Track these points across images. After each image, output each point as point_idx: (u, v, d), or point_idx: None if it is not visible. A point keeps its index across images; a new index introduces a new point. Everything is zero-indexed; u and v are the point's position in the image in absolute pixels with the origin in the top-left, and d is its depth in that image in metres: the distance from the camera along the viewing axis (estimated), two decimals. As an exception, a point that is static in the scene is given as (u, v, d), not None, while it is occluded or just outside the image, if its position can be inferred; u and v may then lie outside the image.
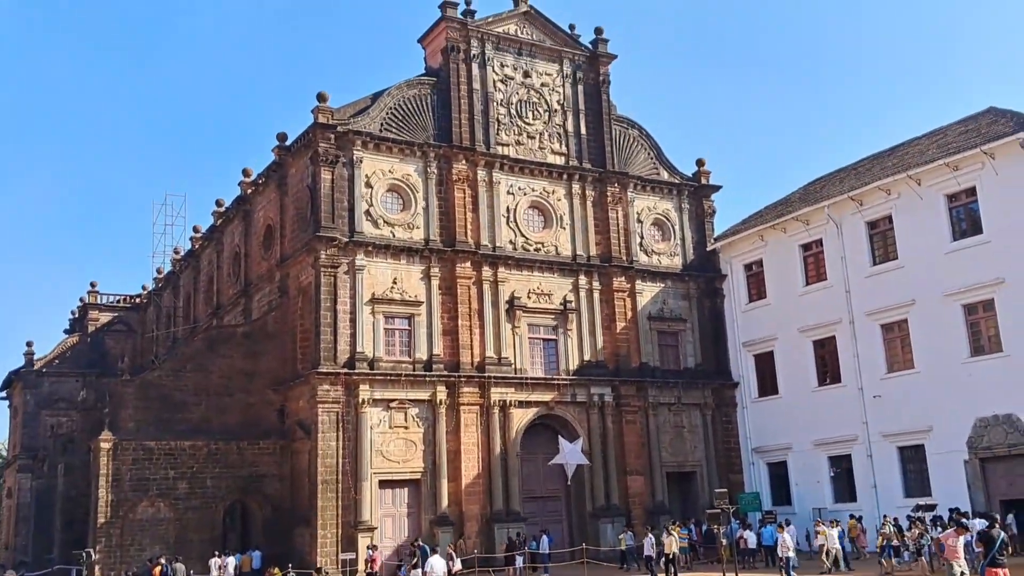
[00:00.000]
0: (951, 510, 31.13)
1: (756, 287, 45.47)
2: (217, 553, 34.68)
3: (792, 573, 25.71)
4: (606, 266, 43.88)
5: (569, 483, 40.01)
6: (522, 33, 45.13)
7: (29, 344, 59.84)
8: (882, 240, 39.98)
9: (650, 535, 31.83)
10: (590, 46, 46.81)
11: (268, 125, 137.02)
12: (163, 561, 32.29)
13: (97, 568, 33.98)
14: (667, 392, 43.85)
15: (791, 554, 26.01)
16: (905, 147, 43.63)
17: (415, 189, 40.51)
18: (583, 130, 45.35)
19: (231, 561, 34.50)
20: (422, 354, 38.91)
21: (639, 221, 45.98)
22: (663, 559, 30.14)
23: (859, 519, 35.64)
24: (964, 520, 28.78)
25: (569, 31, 46.45)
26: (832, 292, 41.08)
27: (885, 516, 32.75)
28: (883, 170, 41.36)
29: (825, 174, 48.59)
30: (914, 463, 37.51)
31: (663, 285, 45.66)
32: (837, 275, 41.00)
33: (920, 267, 37.70)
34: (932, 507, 30.27)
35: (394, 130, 40.56)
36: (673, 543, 29.94)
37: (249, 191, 46.19)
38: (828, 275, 41.57)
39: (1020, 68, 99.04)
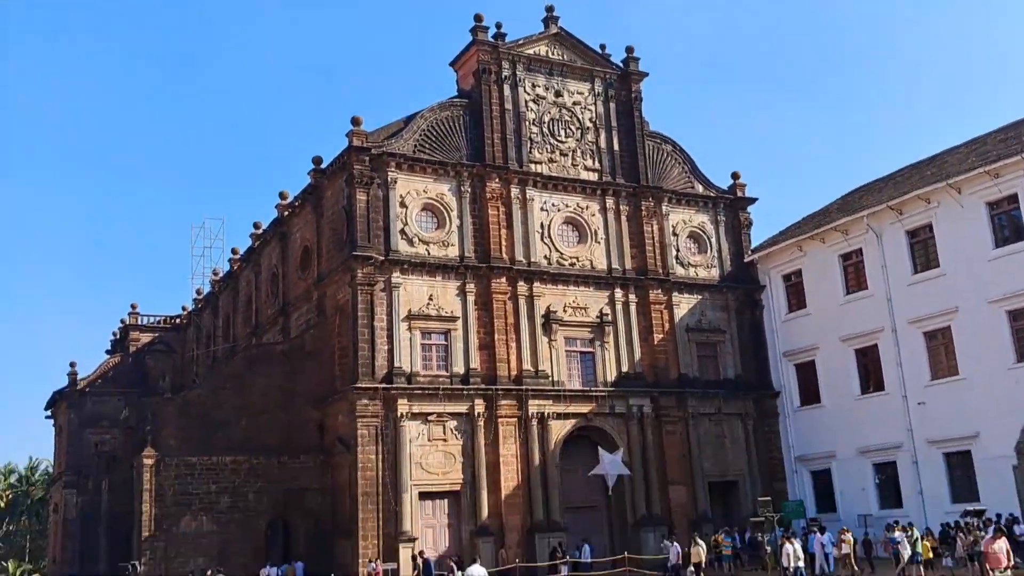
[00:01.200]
0: (997, 515, 30.61)
1: (796, 297, 45.14)
2: (267, 564, 35.03)
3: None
4: (642, 279, 43.81)
5: (610, 493, 39.80)
6: (553, 54, 45.45)
7: (72, 364, 60.78)
8: (923, 248, 39.57)
9: (675, 544, 31.44)
10: (621, 65, 47.01)
11: (304, 149, 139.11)
12: (208, 573, 32.54)
13: (142, 581, 34.30)
14: (707, 403, 43.56)
15: (800, 564, 25.43)
16: (943, 156, 43.34)
17: (449, 208, 40.79)
18: (616, 146, 45.46)
19: (274, 573, 34.74)
20: (459, 368, 39.04)
21: (675, 234, 45.91)
22: (691, 567, 29.80)
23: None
24: (1014, 526, 28.45)
25: (600, 51, 46.70)
26: (873, 301, 40.70)
27: (895, 523, 31.90)
28: (922, 179, 41.06)
29: (863, 184, 48.35)
30: (961, 469, 36.93)
31: (700, 297, 45.47)
32: (878, 284, 40.61)
33: (963, 274, 37.31)
34: (981, 512, 29.72)
35: (427, 151, 40.95)
36: (700, 552, 29.59)
37: (286, 213, 46.77)
38: (869, 284, 41.19)
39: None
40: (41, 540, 79.77)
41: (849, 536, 29.48)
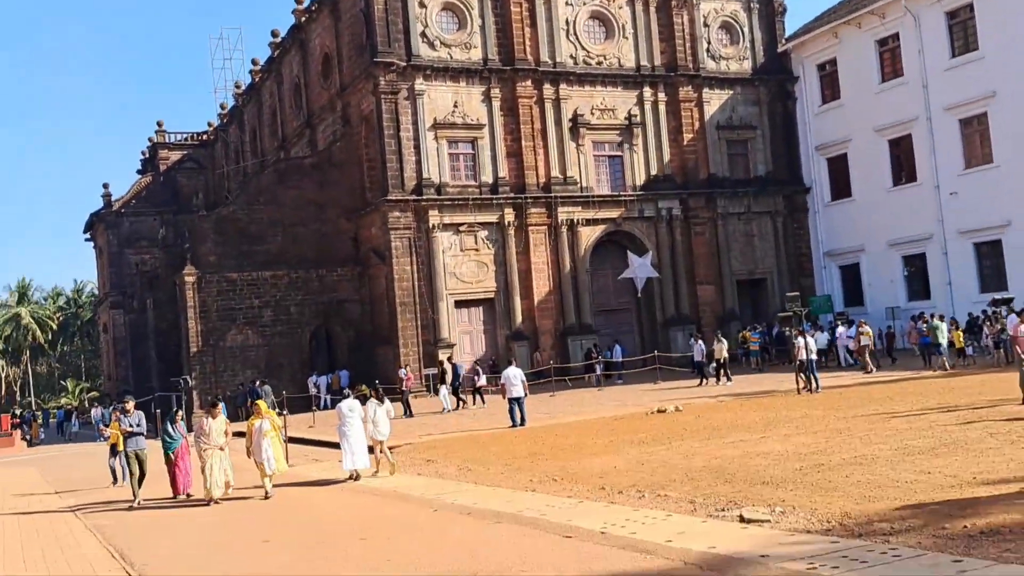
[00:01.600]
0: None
1: (830, 88, 43.93)
2: (314, 373, 36.72)
3: (815, 375, 25.47)
4: (672, 76, 42.68)
5: (639, 295, 40.60)
6: None
7: (106, 186, 61.61)
8: (962, 30, 37.97)
9: (699, 342, 32.08)
10: None
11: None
12: (256, 384, 34.12)
13: (195, 393, 36.13)
14: (737, 202, 43.47)
15: (813, 356, 25.80)
16: (991, -71, 40.61)
17: (470, 6, 39.42)
18: (643, -71, 43.05)
19: (323, 381, 36.42)
20: (488, 177, 39.01)
21: (706, 25, 44.23)
22: (713, 364, 30.70)
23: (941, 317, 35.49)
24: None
25: None
26: (909, 88, 39.56)
27: (919, 314, 32.20)
28: (966, -46, 38.76)
29: (902, -37, 45.71)
30: (990, 259, 37.09)
31: (732, 92, 44.37)
32: (914, 70, 39.34)
33: (1002, 57, 35.96)
34: (1009, 300, 29.94)
35: (446, -56, 39.09)
36: (723, 349, 30.33)
37: (303, 19, 45.49)
38: (905, 71, 39.91)
39: None
40: (95, 359, 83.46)
41: (867, 328, 29.75)
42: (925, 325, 29.37)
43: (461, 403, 30.13)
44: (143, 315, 49.35)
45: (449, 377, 30.92)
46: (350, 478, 16.24)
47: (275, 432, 15.95)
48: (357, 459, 16.10)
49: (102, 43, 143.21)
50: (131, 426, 16.84)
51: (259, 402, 17.23)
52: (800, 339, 24.97)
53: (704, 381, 30.64)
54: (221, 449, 15.46)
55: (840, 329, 33.52)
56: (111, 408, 35.32)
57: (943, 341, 28.35)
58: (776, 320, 38.11)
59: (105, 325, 63.34)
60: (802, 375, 24.61)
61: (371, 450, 16.68)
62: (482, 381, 31.00)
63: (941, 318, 30.45)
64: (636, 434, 18.62)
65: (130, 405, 17.56)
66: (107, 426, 22.47)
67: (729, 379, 29.92)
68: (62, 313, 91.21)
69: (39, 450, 40.16)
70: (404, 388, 31.38)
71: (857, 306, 41.41)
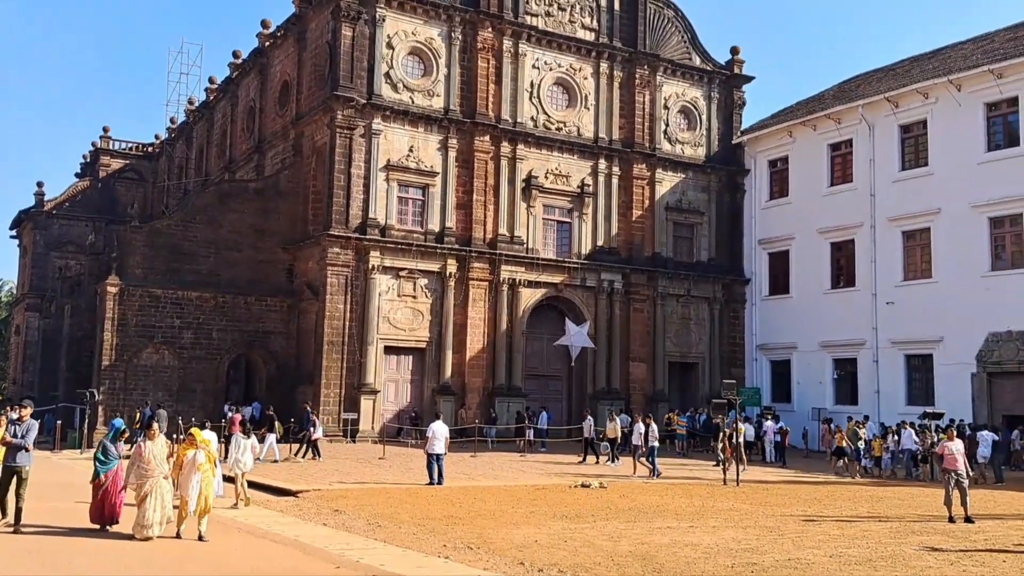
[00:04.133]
0: (951, 420, 31.13)
1: (779, 184, 44.60)
2: (226, 403, 35.28)
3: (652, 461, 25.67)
4: (627, 151, 42.90)
5: (572, 364, 40.12)
6: None
7: (40, 185, 59.43)
8: (914, 145, 38.94)
9: (589, 417, 31.21)
10: (629, -85, 44.54)
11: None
12: (159, 408, 32.22)
13: (100, 408, 34.38)
14: (677, 283, 43.54)
15: (750, 439, 25.68)
16: (947, 51, 42.14)
17: (438, 55, 39.25)
18: (616, 5, 43.61)
19: (247, 411, 34.90)
20: (434, 225, 38.45)
21: (666, 107, 44.74)
22: (605, 442, 30.09)
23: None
24: (968, 431, 28.94)
25: (609, -100, 44.08)
26: (857, 195, 40.28)
27: (851, 419, 32.33)
28: (923, 73, 40.02)
29: (861, 73, 47.09)
30: (920, 372, 37.49)
31: (684, 176, 44.76)
32: (864, 178, 40.10)
33: (950, 176, 36.82)
34: (939, 415, 30.20)
35: (420, -10, 39.01)
36: (616, 428, 29.87)
37: (267, 44, 44.86)
38: (855, 177, 40.67)
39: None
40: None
41: (743, 427, 29.05)
42: (838, 429, 29.58)
43: (305, 453, 28.49)
44: (59, 321, 47.21)
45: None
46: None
47: (210, 465, 14.43)
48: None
49: (58, 37, 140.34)
50: (15, 435, 14.23)
51: (194, 430, 15.39)
52: (741, 424, 24.70)
53: (589, 458, 29.56)
54: (166, 478, 13.76)
55: (767, 423, 33.41)
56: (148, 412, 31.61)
57: (860, 447, 28.45)
58: (707, 405, 37.88)
59: (18, 327, 60.64)
60: (732, 462, 24.18)
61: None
62: (318, 433, 28.83)
63: (862, 423, 30.54)
64: (559, 507, 17.89)
65: (26, 412, 14.83)
66: None
67: (615, 461, 28.99)
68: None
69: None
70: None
71: (784, 402, 41.49)
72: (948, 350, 35.95)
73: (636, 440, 27.38)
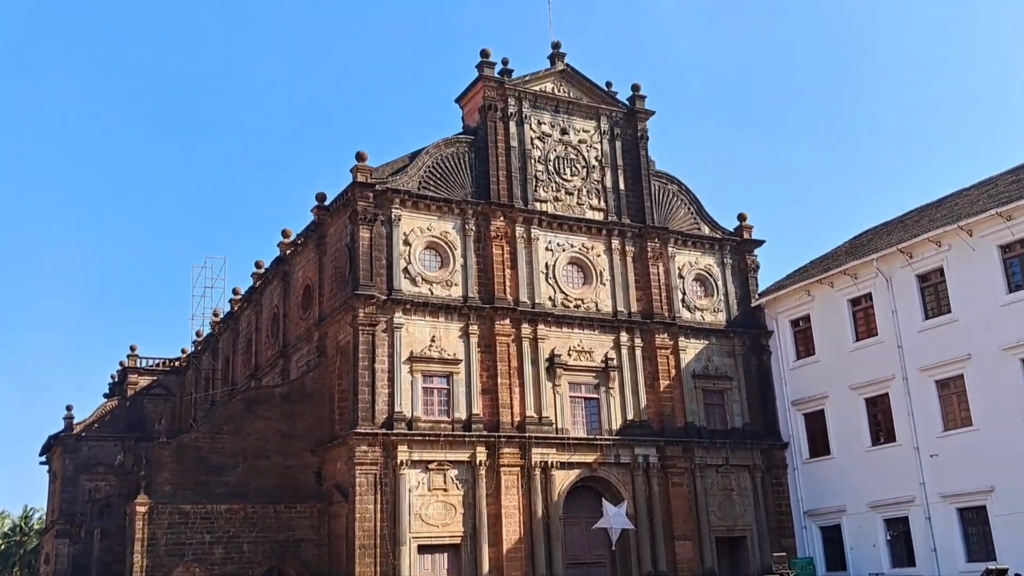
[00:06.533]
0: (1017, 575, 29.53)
1: (804, 343, 44.28)
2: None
3: None
4: (648, 323, 43.02)
5: (613, 548, 38.69)
6: (559, 91, 45.05)
7: (68, 408, 59.93)
8: (934, 293, 38.81)
9: None
10: (627, 102, 46.59)
11: (308, 186, 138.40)
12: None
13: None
14: (714, 453, 42.54)
15: None
16: (954, 198, 42.73)
17: (453, 246, 40.21)
18: (622, 185, 44.92)
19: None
20: (461, 413, 38.18)
21: (681, 276, 45.21)
22: None
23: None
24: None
25: (606, 88, 46.26)
26: (884, 348, 39.84)
27: None
28: (932, 221, 40.42)
29: (872, 227, 47.68)
30: (976, 525, 35.82)
31: (707, 342, 44.64)
32: (888, 330, 39.78)
33: (975, 320, 36.50)
34: (1003, 571, 28.62)
35: (432, 188, 40.45)
36: None
37: (288, 252, 46.21)
38: (879, 330, 40.34)
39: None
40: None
41: None
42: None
43: None
44: (89, 546, 46.60)
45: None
46: None
47: None
48: None
49: (83, 260, 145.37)
50: None
51: None
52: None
53: None
54: None
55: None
56: None
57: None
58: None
59: (47, 556, 59.56)
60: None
61: None
62: None
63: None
64: None
65: None
66: None
67: None
68: (5, 540, 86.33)
69: None
70: None
71: (839, 571, 39.63)
72: (1002, 499, 34.47)
73: None
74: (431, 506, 36.55)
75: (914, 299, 39.07)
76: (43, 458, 64.24)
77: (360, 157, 39.04)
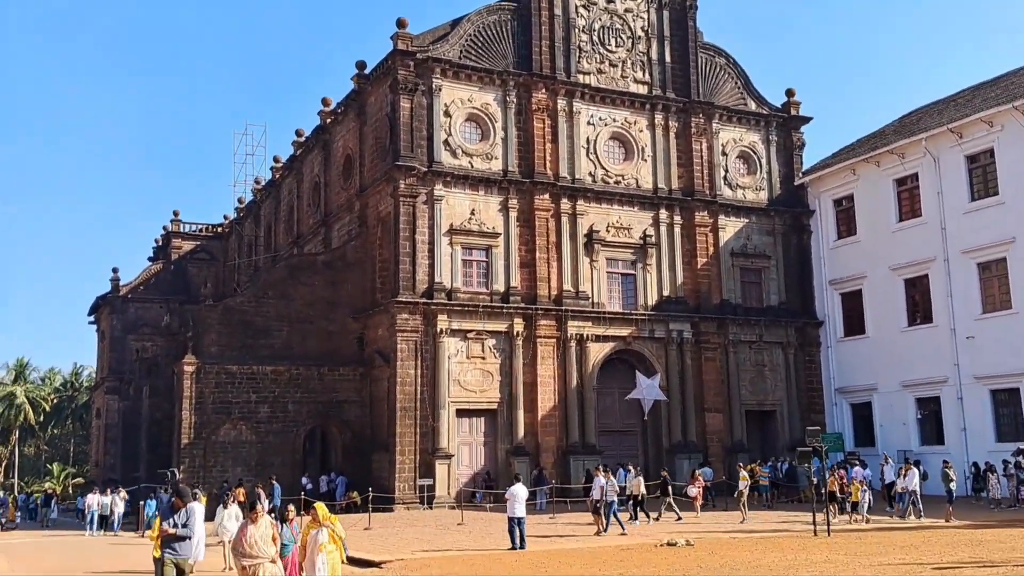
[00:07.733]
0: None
1: (846, 223, 43.93)
2: (306, 475, 35.60)
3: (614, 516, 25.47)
4: (688, 200, 42.78)
5: (646, 418, 39.65)
6: (607, -45, 43.53)
7: (115, 271, 61.37)
8: (982, 175, 38.11)
9: (599, 475, 26.65)
10: (676, -31, 45.00)
11: (348, 54, 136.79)
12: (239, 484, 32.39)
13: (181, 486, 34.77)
14: (748, 330, 42.92)
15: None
16: (1009, 77, 41.40)
17: (494, 119, 39.83)
18: (668, 58, 43.88)
19: (318, 483, 35.12)
20: (499, 286, 38.65)
21: (724, 154, 44.61)
22: (631, 501, 28.73)
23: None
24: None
25: (655, -46, 44.63)
26: (927, 229, 39.47)
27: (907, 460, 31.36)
28: (985, 101, 39.32)
29: (922, 106, 46.53)
30: (1008, 407, 36.19)
31: (747, 220, 44.40)
32: (933, 211, 39.32)
33: (1022, 203, 35.86)
34: (1032, 450, 29.13)
35: (473, 57, 39.79)
36: (640, 484, 28.75)
37: (328, 120, 46.03)
38: (923, 211, 39.89)
39: None
40: (85, 445, 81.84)
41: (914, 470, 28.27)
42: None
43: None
44: (138, 402, 48.31)
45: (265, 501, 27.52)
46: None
47: (336, 546, 13.25)
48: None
49: (126, 127, 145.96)
50: (175, 526, 12.34)
51: (318, 504, 13.94)
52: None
53: (603, 529, 25.60)
54: (272, 562, 12.29)
55: (856, 469, 32.24)
56: (167, 497, 24.09)
57: (952, 488, 27.57)
58: (788, 454, 36.99)
59: (99, 410, 62.18)
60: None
61: None
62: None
63: (950, 463, 29.50)
64: (647, 568, 17.51)
65: (194, 502, 12.81)
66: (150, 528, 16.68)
67: (635, 519, 27.81)
68: (57, 395, 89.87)
69: (12, 535, 38.31)
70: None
71: (868, 446, 40.34)
72: (1036, 383, 34.71)
73: (595, 495, 25.81)
74: (469, 373, 37.49)
75: (961, 180, 38.42)
76: (91, 318, 66.21)
77: (401, 24, 38.35)
